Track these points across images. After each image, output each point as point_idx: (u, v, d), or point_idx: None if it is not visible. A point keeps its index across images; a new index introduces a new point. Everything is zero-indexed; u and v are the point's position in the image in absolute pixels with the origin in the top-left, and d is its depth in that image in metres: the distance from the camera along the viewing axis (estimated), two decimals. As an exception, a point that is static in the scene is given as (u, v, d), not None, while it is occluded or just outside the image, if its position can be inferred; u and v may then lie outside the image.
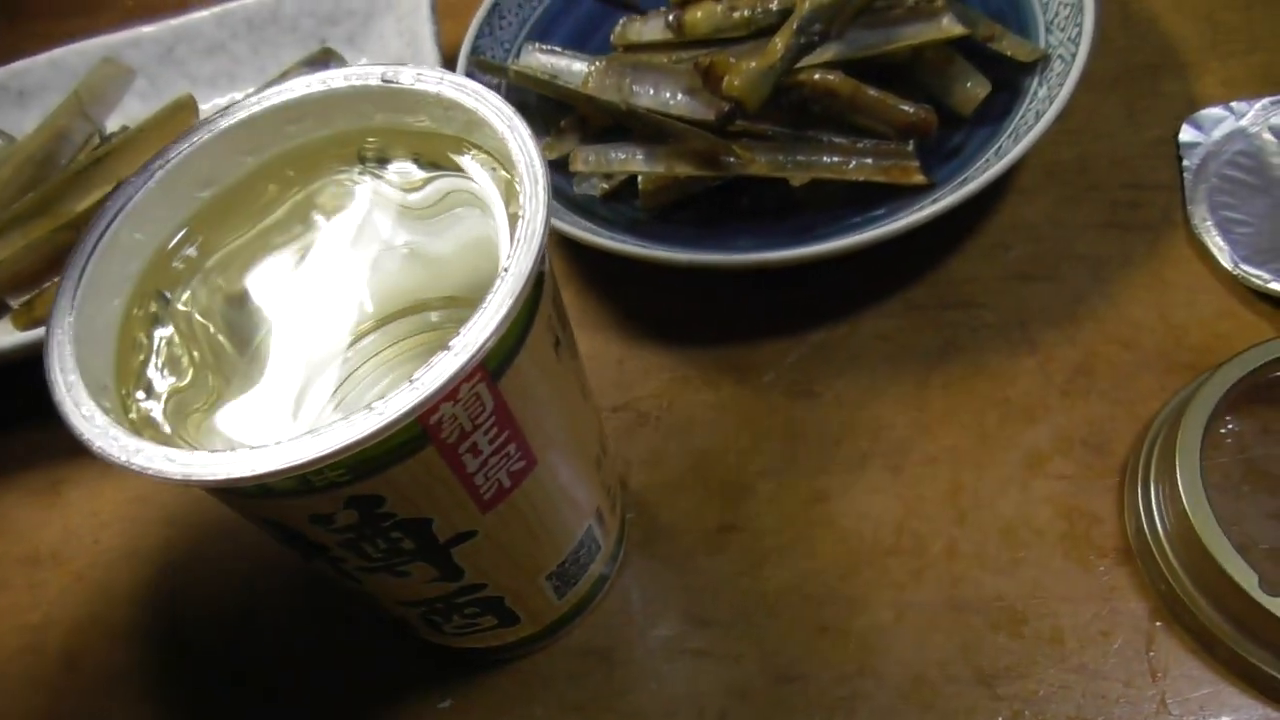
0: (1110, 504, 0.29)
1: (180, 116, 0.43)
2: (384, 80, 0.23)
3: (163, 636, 0.33)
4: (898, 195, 0.35)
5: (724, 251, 0.34)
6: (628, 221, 0.37)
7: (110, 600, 0.35)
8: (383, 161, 0.25)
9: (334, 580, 0.26)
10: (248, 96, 0.24)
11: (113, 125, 0.46)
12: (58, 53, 0.47)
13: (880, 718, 0.27)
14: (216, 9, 0.47)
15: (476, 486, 0.22)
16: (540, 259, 0.20)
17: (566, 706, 0.29)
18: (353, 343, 0.25)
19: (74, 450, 0.39)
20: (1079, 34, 0.34)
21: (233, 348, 0.24)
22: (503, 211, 0.23)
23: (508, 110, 0.22)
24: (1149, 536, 0.28)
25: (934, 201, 0.32)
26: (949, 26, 0.35)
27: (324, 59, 0.45)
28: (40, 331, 0.37)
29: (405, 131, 0.24)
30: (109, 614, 0.34)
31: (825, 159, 0.35)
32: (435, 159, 0.24)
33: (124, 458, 0.18)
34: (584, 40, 0.43)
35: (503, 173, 0.23)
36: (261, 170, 0.24)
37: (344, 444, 0.18)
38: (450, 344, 0.18)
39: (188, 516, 0.36)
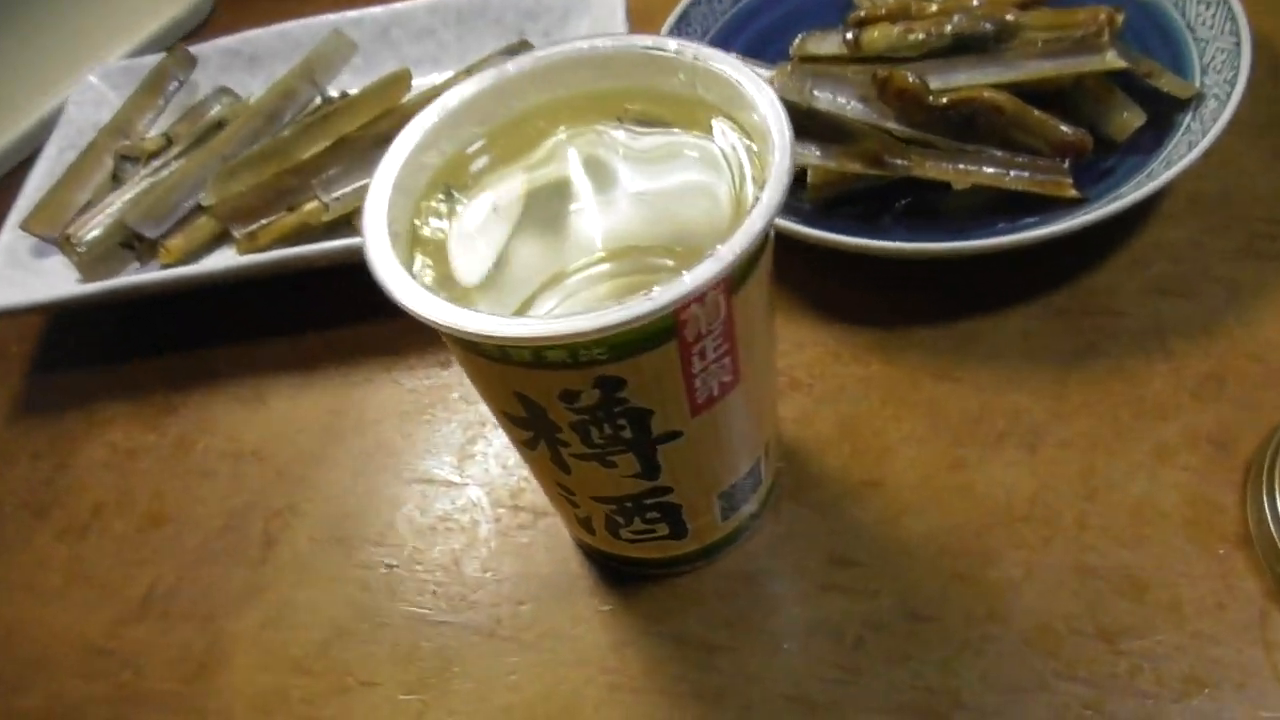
0: (1233, 496, 0.32)
1: (396, 88, 0.48)
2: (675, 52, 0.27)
3: (353, 528, 0.38)
4: (1049, 207, 0.38)
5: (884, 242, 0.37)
6: (793, 211, 0.41)
7: (306, 493, 0.39)
8: (638, 122, 0.29)
9: (542, 471, 0.30)
10: (456, 76, 0.28)
11: (330, 92, 0.52)
12: (287, 25, 0.53)
13: (1006, 659, 0.30)
14: (431, -2, 0.52)
15: (695, 389, 0.25)
16: (782, 201, 0.23)
17: (716, 622, 0.33)
18: (579, 270, 0.30)
19: (276, 365, 0.45)
20: (1235, 76, 0.37)
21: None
22: (738, 172, 0.26)
23: (768, 90, 0.26)
24: (1272, 527, 0.30)
25: (1085, 213, 0.35)
26: (1112, 60, 0.38)
27: (520, 50, 0.50)
28: (251, 258, 0.42)
29: (663, 97, 0.28)
30: (304, 505, 0.39)
31: (986, 169, 0.38)
32: (684, 124, 0.28)
33: (436, 316, 0.22)
34: (760, 51, 0.47)
35: (747, 140, 0.26)
36: (533, 112, 0.29)
37: (622, 320, 0.21)
38: (712, 252, 0.22)
39: (377, 427, 0.41)
